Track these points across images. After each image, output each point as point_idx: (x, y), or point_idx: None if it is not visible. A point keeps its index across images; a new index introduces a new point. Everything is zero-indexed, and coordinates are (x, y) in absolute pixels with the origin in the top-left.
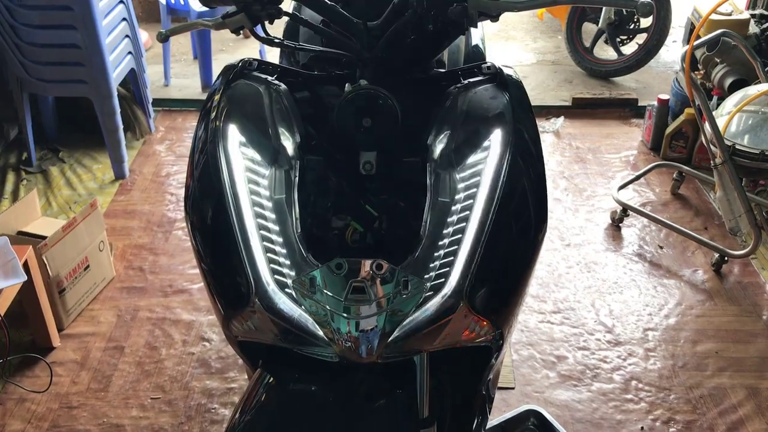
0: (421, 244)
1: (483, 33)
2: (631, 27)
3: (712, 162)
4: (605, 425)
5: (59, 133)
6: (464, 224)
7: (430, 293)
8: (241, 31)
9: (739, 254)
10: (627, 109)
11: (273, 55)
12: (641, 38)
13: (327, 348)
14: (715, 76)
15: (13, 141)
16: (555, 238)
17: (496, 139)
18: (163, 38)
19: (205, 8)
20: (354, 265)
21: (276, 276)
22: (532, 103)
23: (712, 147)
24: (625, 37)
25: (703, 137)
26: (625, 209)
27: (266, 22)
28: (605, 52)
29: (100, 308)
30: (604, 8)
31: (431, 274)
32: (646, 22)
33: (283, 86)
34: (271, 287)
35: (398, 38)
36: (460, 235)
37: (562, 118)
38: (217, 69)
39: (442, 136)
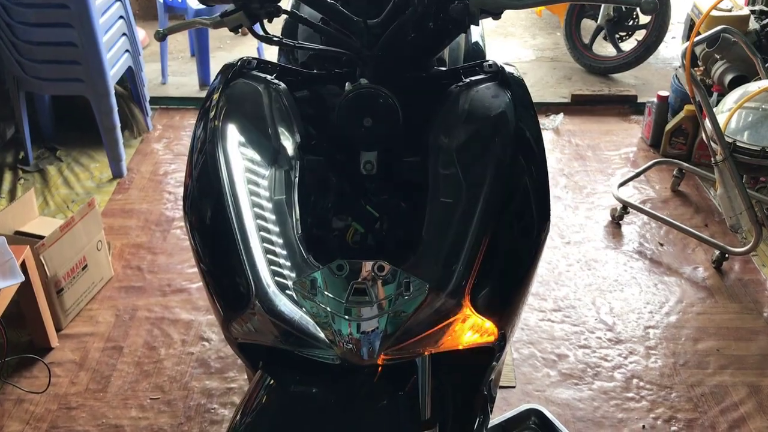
0: (422, 245)
1: (483, 30)
2: (630, 23)
3: (712, 159)
4: (606, 424)
5: (56, 131)
6: (466, 225)
7: (431, 295)
8: (240, 30)
9: (739, 251)
10: (626, 106)
11: (271, 53)
12: (640, 35)
13: (328, 350)
14: (715, 72)
15: (10, 140)
16: (555, 235)
17: (498, 138)
18: (161, 37)
19: (202, 6)
20: (355, 267)
21: (276, 277)
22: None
23: (712, 144)
24: (624, 34)
25: (703, 134)
26: (625, 206)
27: (265, 21)
28: (604, 48)
29: (99, 308)
30: (603, 5)
31: (433, 275)
32: (645, 18)
33: (282, 85)
34: (272, 289)
35: (399, 36)
36: (462, 236)
37: (561, 115)
38: (215, 66)
39: (444, 135)
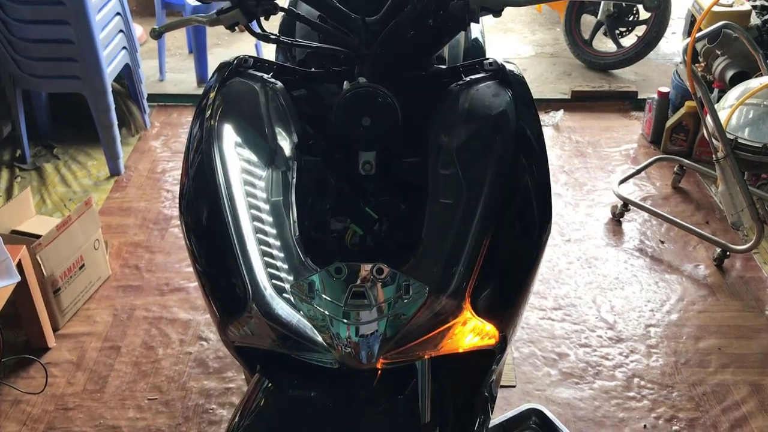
0: (422, 247)
1: (482, 26)
2: (630, 19)
3: (714, 156)
4: (607, 423)
5: (53, 129)
6: (466, 226)
7: (431, 297)
8: (236, 27)
9: (741, 249)
10: (627, 102)
11: (270, 51)
12: (640, 30)
13: (326, 354)
14: (716, 68)
15: (7, 138)
16: (555, 233)
17: (498, 137)
18: (157, 35)
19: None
20: (354, 269)
21: (273, 280)
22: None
23: (713, 141)
24: (624, 29)
25: (704, 131)
26: (626, 204)
27: (262, 18)
28: (604, 44)
29: (96, 308)
30: (603, 0)
31: (433, 277)
32: (645, 14)
33: (279, 84)
34: (269, 292)
35: (398, 34)
36: (462, 237)
37: (561, 112)
38: (213, 63)
39: (444, 135)
